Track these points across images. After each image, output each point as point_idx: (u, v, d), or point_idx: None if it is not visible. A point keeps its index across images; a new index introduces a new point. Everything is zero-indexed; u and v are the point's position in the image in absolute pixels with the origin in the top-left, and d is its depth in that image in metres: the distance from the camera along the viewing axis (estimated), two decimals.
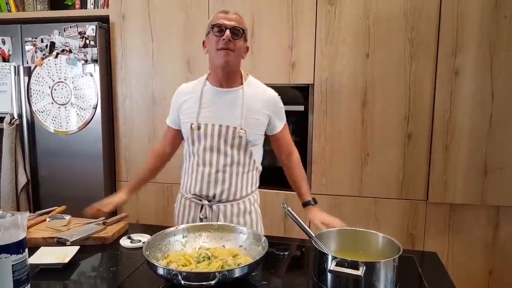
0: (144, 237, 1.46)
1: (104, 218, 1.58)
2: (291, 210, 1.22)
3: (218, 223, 1.36)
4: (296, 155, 1.76)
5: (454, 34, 2.20)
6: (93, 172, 2.63)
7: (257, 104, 1.59)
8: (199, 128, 1.57)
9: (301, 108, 2.47)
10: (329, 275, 1.09)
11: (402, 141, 2.34)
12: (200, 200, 1.59)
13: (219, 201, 1.58)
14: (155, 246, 1.24)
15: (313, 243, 1.17)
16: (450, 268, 2.33)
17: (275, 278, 1.20)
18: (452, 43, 2.21)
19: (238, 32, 1.51)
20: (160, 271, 1.06)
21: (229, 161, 1.58)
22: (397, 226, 2.38)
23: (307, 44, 2.39)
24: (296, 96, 2.51)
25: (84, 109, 2.61)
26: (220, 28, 1.50)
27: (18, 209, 2.60)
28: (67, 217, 1.55)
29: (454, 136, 2.26)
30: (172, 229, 1.31)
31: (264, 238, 1.24)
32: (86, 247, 1.39)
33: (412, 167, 2.34)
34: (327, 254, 1.10)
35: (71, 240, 1.37)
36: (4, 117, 2.67)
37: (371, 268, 1.05)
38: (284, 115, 1.70)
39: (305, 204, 1.76)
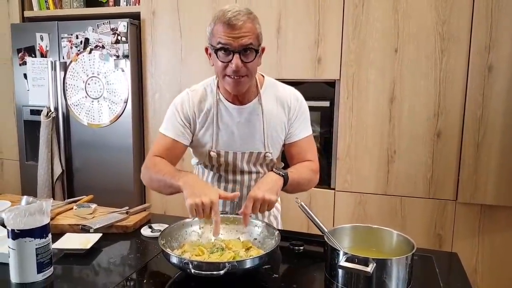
0: (164, 227, 1.50)
1: (127, 207, 1.64)
2: (304, 205, 1.22)
3: (234, 216, 1.38)
4: (311, 163, 1.48)
5: (488, 28, 2.11)
6: (123, 165, 2.72)
7: (276, 113, 1.44)
8: (219, 156, 1.44)
9: (326, 104, 2.45)
10: (340, 271, 1.09)
11: (431, 139, 2.27)
12: (226, 212, 1.48)
13: None
14: (171, 235, 1.27)
15: (326, 239, 1.17)
16: (479, 271, 2.26)
17: (287, 271, 1.21)
18: (486, 37, 2.12)
19: (249, 53, 1.26)
20: (173, 260, 1.09)
21: (254, 177, 1.51)
22: (423, 226, 2.32)
23: (333, 39, 2.37)
24: (322, 92, 2.49)
25: (116, 103, 2.70)
26: (226, 51, 1.25)
27: (53, 197, 2.74)
28: (93, 206, 1.62)
29: (486, 134, 2.17)
30: (189, 220, 1.34)
31: (278, 232, 1.25)
32: (109, 234, 1.45)
33: (441, 166, 2.27)
34: (338, 250, 1.09)
35: (94, 228, 1.43)
36: (42, 110, 2.81)
37: (382, 265, 1.04)
38: (309, 123, 1.50)
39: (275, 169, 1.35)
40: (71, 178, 2.87)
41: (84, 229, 1.44)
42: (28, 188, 2.96)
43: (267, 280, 1.15)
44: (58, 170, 2.78)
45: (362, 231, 1.25)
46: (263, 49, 1.37)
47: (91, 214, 1.59)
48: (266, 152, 1.45)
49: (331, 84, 2.45)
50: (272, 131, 1.45)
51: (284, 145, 1.51)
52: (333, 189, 2.47)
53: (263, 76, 1.50)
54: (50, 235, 1.15)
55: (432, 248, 2.26)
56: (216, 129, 1.43)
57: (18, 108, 3.01)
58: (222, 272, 1.02)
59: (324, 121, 2.48)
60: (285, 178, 1.30)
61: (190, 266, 1.03)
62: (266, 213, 1.61)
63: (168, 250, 1.15)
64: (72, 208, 1.62)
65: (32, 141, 2.96)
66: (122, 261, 1.26)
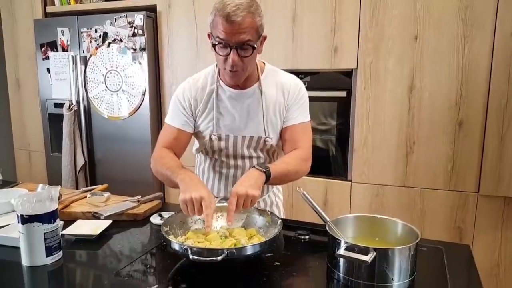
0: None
1: (139, 196, 1.67)
2: (306, 194, 1.20)
3: None
4: (301, 151, 1.45)
5: None
6: (142, 156, 2.77)
7: (276, 98, 1.45)
8: (219, 139, 1.46)
9: (343, 94, 2.41)
10: (341, 260, 1.07)
11: (452, 129, 2.20)
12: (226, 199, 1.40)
13: None
14: (176, 223, 1.28)
15: (327, 228, 1.15)
16: (501, 265, 2.17)
17: (289, 260, 1.20)
18: None
19: (247, 48, 1.27)
20: (173, 246, 1.10)
21: (255, 162, 1.51)
22: (443, 219, 2.25)
23: (350, 27, 2.32)
24: (338, 82, 2.45)
25: (134, 96, 2.75)
26: (224, 45, 1.27)
27: (77, 187, 2.82)
28: (106, 194, 1.66)
29: (510, 124, 2.08)
30: None
31: (280, 220, 1.24)
32: (119, 222, 1.48)
33: (462, 157, 2.19)
34: (339, 239, 1.07)
35: (105, 215, 1.46)
36: (64, 103, 2.89)
37: (382, 254, 1.01)
38: (307, 110, 1.49)
39: (258, 165, 1.32)
40: (93, 169, 2.95)
41: (95, 216, 1.47)
42: (54, 178, 3.07)
43: (268, 267, 1.14)
44: (81, 161, 2.86)
45: (366, 221, 1.23)
46: (264, 38, 1.36)
47: (104, 202, 1.62)
48: (266, 137, 1.46)
49: (348, 73, 2.40)
50: (271, 116, 1.46)
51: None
52: (350, 181, 2.43)
53: (264, 64, 1.50)
54: (58, 221, 1.18)
55: (451, 241, 2.20)
56: (216, 113, 1.45)
57: (42, 102, 3.11)
58: (220, 258, 1.02)
59: (341, 112, 2.44)
60: (267, 174, 1.29)
61: (189, 252, 1.04)
62: (268, 201, 1.61)
63: (171, 237, 1.17)
64: (86, 197, 1.66)
65: (56, 133, 3.06)
66: (129, 246, 1.28)
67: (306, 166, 1.46)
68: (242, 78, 1.36)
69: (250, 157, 1.52)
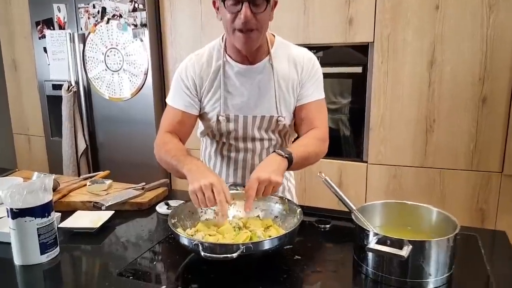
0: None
1: (144, 183, 1.55)
2: (329, 180, 1.08)
3: None
4: (318, 131, 1.34)
5: None
6: (146, 139, 2.64)
7: (288, 73, 1.32)
8: (228, 120, 1.33)
9: (359, 69, 2.25)
10: (369, 253, 0.95)
11: (475, 106, 2.05)
12: (237, 189, 1.30)
13: None
14: (185, 214, 1.17)
15: (354, 217, 1.03)
16: None
17: (310, 252, 1.09)
18: None
19: (260, 3, 1.14)
20: (182, 241, 0.99)
21: (266, 145, 1.40)
22: (464, 200, 2.13)
23: None
24: (353, 57, 2.29)
25: (136, 75, 2.61)
26: (235, 0, 1.13)
27: (78, 173, 2.72)
28: (108, 182, 1.54)
29: None
30: None
31: (300, 209, 1.12)
32: (122, 212, 1.37)
33: (485, 135, 2.05)
34: (368, 230, 0.95)
35: (106, 205, 1.35)
36: (63, 85, 2.76)
37: (418, 248, 0.89)
38: (321, 86, 1.38)
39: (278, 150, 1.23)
40: (95, 153, 2.83)
41: (96, 206, 1.36)
42: (54, 164, 2.96)
43: (288, 262, 1.03)
44: (82, 145, 2.75)
45: (395, 208, 1.11)
46: (275, 2, 1.24)
47: (105, 190, 1.51)
48: (279, 116, 1.33)
49: (363, 48, 2.24)
50: (284, 93, 1.33)
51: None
52: (366, 162, 2.30)
53: (274, 36, 1.36)
54: (54, 214, 1.07)
55: (474, 224, 2.09)
56: (224, 92, 1.32)
57: (40, 83, 2.97)
58: (235, 255, 0.91)
59: (356, 89, 2.29)
60: (289, 159, 1.18)
61: (201, 248, 0.93)
62: (280, 189, 1.49)
63: (179, 230, 1.06)
64: (86, 185, 1.55)
65: (56, 116, 2.92)
66: (134, 240, 1.17)
67: (325, 147, 1.36)
68: (255, 42, 1.21)
69: (261, 139, 1.39)
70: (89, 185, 1.52)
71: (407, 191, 2.22)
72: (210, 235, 1.08)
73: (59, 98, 2.79)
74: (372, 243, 0.92)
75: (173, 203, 1.43)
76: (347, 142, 2.41)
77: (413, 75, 2.13)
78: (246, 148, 1.40)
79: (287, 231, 1.01)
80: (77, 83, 2.76)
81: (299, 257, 1.05)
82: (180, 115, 1.34)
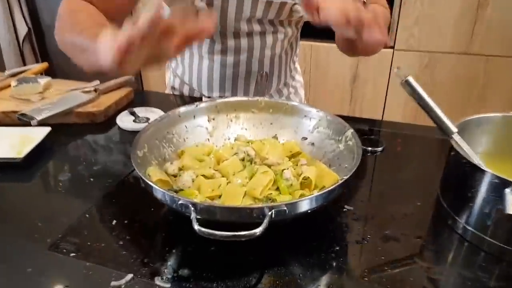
0: (156, 113, 0.95)
1: (97, 82, 1.06)
2: (412, 81, 0.62)
3: (266, 99, 0.80)
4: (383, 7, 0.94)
5: None
6: None
7: None
8: (210, 4, 0.86)
9: None
10: (472, 205, 0.54)
11: None
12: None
13: None
14: (160, 136, 0.71)
15: (455, 145, 0.60)
16: None
17: (367, 203, 0.67)
18: None
19: None
20: (159, 196, 0.55)
21: (270, 42, 0.97)
22: None
23: None
24: None
25: None
26: None
27: (24, 64, 2.15)
28: (43, 80, 1.04)
29: None
30: (191, 107, 0.77)
31: (352, 131, 0.67)
32: (64, 127, 0.90)
33: None
34: (484, 171, 0.52)
35: (38, 119, 0.87)
36: None
37: None
38: None
39: None
40: (41, 37, 2.23)
41: (22, 120, 0.88)
42: None
43: (339, 216, 0.62)
44: (22, 29, 2.13)
45: (504, 124, 0.67)
46: None
47: (40, 93, 1.02)
48: (295, 3, 0.87)
49: None
50: None
51: None
52: (392, 47, 1.81)
53: None
54: None
55: None
56: None
57: None
58: (258, 231, 0.48)
59: None
60: None
61: (194, 217, 0.49)
62: (285, 91, 1.08)
63: (151, 171, 0.61)
64: (10, 85, 1.04)
65: None
66: (80, 177, 0.73)
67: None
68: None
69: (263, 33, 0.94)
70: (14, 86, 1.01)
71: (440, 84, 1.79)
72: (206, 177, 0.64)
73: None
74: (508, 200, 0.50)
75: (142, 112, 0.96)
76: None
77: None
78: (239, 47, 0.95)
79: (343, 178, 0.56)
80: None
81: (350, 208, 0.64)
82: None
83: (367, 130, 0.89)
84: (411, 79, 0.62)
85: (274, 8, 0.89)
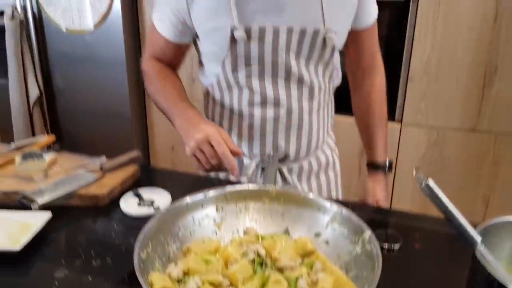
0: (163, 196, 0.91)
1: (103, 158, 1.03)
2: (433, 185, 0.59)
3: (278, 187, 0.77)
4: (381, 75, 1.06)
5: None
6: (116, 82, 2.12)
7: None
8: (248, 37, 0.86)
9: None
10: None
11: None
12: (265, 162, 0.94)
13: (295, 160, 0.99)
14: (166, 231, 0.68)
15: (479, 255, 0.55)
16: None
17: None
18: None
19: None
20: None
21: (306, 92, 0.93)
22: None
23: None
24: None
25: None
26: None
27: (32, 127, 2.17)
28: (48, 156, 1.02)
29: None
30: (199, 196, 0.74)
31: (370, 232, 0.63)
32: (64, 211, 0.86)
33: None
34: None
35: (40, 203, 0.84)
36: (4, 10, 2.11)
37: None
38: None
39: (374, 166, 1.06)
40: (52, 102, 2.27)
41: (23, 204, 0.85)
42: (2, 116, 2.36)
43: None
44: (34, 92, 2.17)
45: None
46: None
47: (44, 170, 0.99)
48: (327, 33, 0.87)
49: None
50: None
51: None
52: (400, 121, 1.80)
53: None
54: None
55: None
56: None
57: None
58: None
59: (394, 25, 1.74)
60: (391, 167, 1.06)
61: None
62: (323, 159, 1.04)
63: (153, 277, 0.57)
64: (14, 160, 1.02)
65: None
66: (77, 277, 0.68)
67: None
68: None
69: (300, 79, 0.91)
70: (19, 164, 0.99)
71: (449, 162, 1.76)
72: (211, 283, 0.59)
73: (1, 28, 2.16)
74: None
75: (147, 193, 0.93)
76: None
77: (474, 5, 1.59)
78: (277, 97, 0.92)
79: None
80: (24, 8, 2.12)
81: None
82: (166, 44, 0.98)
83: (379, 220, 0.84)
84: (431, 183, 0.58)
85: (308, 37, 0.87)
